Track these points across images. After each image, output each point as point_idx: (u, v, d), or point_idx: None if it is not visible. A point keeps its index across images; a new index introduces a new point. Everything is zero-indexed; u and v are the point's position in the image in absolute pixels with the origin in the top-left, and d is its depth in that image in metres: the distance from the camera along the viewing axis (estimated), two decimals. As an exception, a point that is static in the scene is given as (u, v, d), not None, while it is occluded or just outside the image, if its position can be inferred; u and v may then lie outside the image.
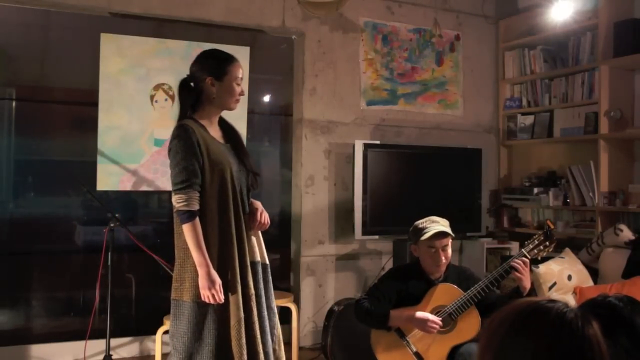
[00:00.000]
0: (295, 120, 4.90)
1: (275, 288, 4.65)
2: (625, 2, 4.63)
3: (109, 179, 4.09)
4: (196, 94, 2.61)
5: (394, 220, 4.61)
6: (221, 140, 2.65)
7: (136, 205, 4.75)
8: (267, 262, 2.75)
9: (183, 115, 2.60)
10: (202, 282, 2.43)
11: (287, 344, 4.45)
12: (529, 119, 5.27)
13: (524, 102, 5.35)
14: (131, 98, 4.12)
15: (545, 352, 1.11)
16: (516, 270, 2.86)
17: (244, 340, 2.50)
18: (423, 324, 2.87)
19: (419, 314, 2.88)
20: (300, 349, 4.38)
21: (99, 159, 4.05)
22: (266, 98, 5.18)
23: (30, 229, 4.35)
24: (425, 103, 5.24)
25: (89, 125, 4.13)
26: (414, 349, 2.92)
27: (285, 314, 4.46)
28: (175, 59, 4.18)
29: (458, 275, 3.08)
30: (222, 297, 2.45)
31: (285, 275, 4.90)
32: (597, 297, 1.73)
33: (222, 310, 2.50)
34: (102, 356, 3.79)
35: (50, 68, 4.49)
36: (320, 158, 4.84)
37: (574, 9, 4.59)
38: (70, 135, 4.58)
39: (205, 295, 2.44)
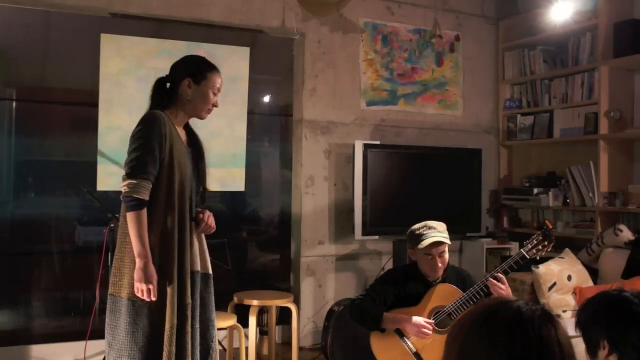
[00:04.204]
0: (295, 120, 4.90)
1: (275, 288, 4.72)
2: (625, 2, 4.63)
3: (109, 179, 4.09)
4: (170, 94, 2.56)
5: (394, 221, 4.61)
6: (184, 143, 2.60)
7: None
8: (210, 272, 2.66)
9: (153, 108, 2.53)
10: (138, 274, 2.34)
11: (287, 344, 4.47)
12: (529, 120, 5.27)
13: (524, 103, 5.36)
14: (131, 98, 4.12)
15: (502, 348, 1.13)
16: (491, 288, 2.87)
17: (174, 348, 2.42)
18: (416, 329, 2.88)
19: (414, 319, 2.89)
20: (300, 349, 4.39)
21: (99, 159, 4.05)
22: (266, 98, 5.18)
23: (30, 229, 4.35)
24: (425, 103, 5.24)
25: (89, 125, 4.13)
26: (414, 349, 2.92)
27: (285, 314, 4.47)
28: (175, 59, 4.16)
29: (457, 277, 3.09)
30: (155, 294, 2.36)
31: (285, 275, 4.90)
32: (612, 291, 1.73)
33: (158, 313, 2.42)
34: (102, 356, 3.79)
35: (50, 68, 4.49)
36: (320, 158, 4.85)
37: (574, 10, 4.59)
38: (70, 135, 4.58)
39: (139, 289, 2.35)
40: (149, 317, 2.42)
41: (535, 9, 5.06)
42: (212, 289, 2.66)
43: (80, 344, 3.96)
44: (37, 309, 4.33)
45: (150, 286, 2.35)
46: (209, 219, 2.63)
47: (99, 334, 3.90)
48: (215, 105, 2.62)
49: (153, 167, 2.40)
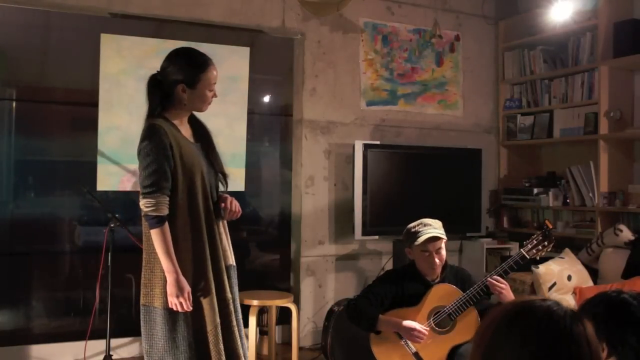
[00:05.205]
0: (295, 120, 4.90)
1: (275, 288, 4.72)
2: (625, 2, 4.63)
3: (109, 179, 4.09)
4: (165, 93, 2.51)
5: (394, 221, 4.60)
6: (191, 140, 2.57)
7: (136, 205, 4.73)
8: (235, 263, 2.67)
9: (152, 113, 2.50)
10: (170, 289, 2.37)
11: (287, 344, 4.47)
12: (529, 120, 5.27)
13: (524, 103, 5.36)
14: (131, 98, 4.12)
15: (532, 347, 1.14)
16: (491, 288, 2.87)
17: (221, 345, 2.44)
18: (409, 333, 2.88)
19: (406, 323, 2.88)
20: (300, 349, 4.39)
21: (99, 159, 4.05)
22: (266, 98, 5.18)
23: (30, 229, 4.35)
24: (425, 103, 5.24)
25: (89, 125, 4.12)
26: (414, 349, 2.92)
27: (285, 314, 4.47)
28: (175, 60, 4.17)
29: (455, 276, 3.08)
30: (190, 305, 2.39)
31: (285, 275, 4.90)
32: (611, 292, 1.73)
33: (197, 316, 2.44)
34: (102, 356, 3.79)
35: (50, 68, 4.49)
36: (320, 158, 4.85)
37: (574, 10, 4.59)
38: (70, 135, 4.58)
39: (173, 303, 2.38)
40: (186, 321, 2.43)
41: (535, 9, 5.06)
42: (237, 280, 2.66)
43: (80, 344, 3.96)
44: (37, 309, 4.33)
45: (182, 299, 2.37)
46: (232, 204, 2.60)
47: (99, 334, 3.93)
48: (214, 97, 2.58)
49: (166, 180, 2.40)
